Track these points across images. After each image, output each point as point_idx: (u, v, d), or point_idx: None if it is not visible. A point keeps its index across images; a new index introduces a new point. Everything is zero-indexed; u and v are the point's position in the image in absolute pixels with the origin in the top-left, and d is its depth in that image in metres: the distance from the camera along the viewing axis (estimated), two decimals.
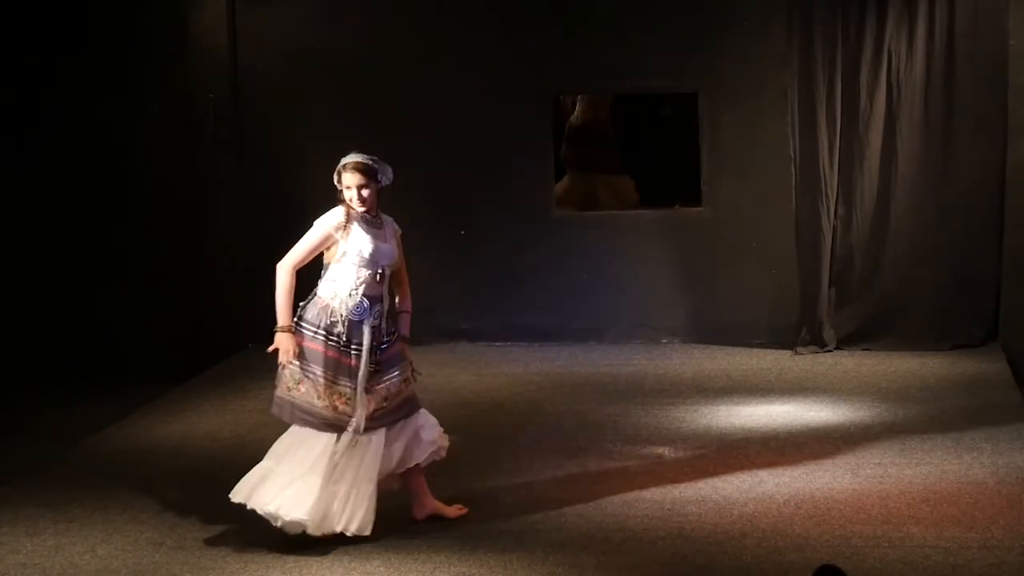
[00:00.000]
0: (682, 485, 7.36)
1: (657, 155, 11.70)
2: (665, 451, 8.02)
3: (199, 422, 8.98)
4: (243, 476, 6.70)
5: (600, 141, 11.66)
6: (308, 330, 6.68)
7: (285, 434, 6.76)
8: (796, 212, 10.18)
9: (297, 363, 6.66)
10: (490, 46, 10.62)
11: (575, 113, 11.75)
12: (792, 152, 10.10)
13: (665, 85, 10.84)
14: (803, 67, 10.02)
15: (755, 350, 10.30)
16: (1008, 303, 10.08)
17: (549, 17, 10.52)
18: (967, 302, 10.15)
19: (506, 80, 10.59)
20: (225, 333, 10.69)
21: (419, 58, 10.61)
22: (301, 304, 6.72)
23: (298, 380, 6.67)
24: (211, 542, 6.77)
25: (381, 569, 6.37)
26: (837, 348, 10.20)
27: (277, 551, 6.60)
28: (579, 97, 11.65)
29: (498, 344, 10.60)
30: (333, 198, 11.14)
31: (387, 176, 6.84)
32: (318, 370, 6.65)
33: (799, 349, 10.19)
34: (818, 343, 10.20)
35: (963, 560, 6.25)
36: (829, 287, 10.21)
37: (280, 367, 6.69)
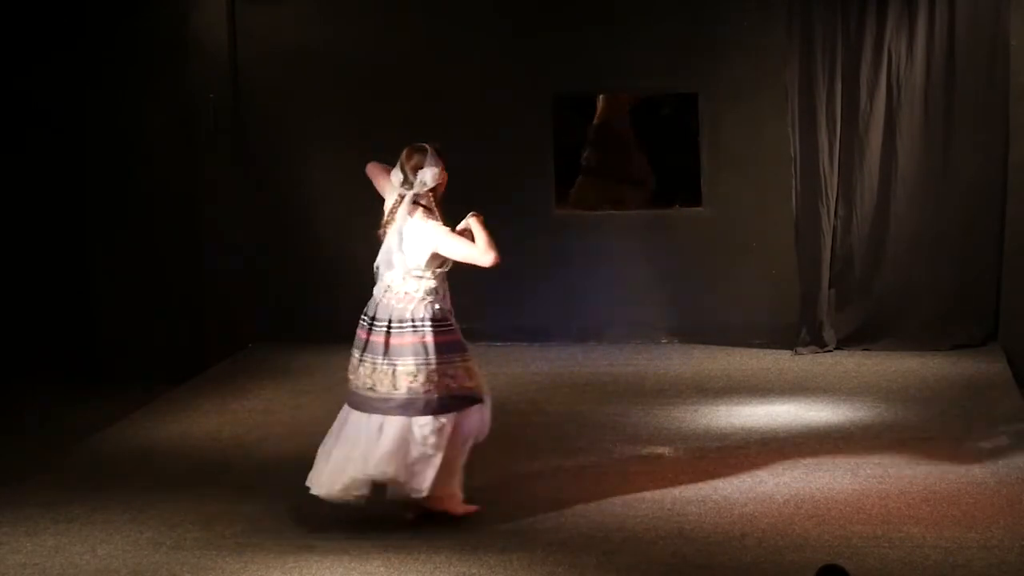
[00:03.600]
0: (682, 485, 7.37)
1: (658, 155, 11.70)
2: (665, 451, 8.02)
3: (199, 422, 8.98)
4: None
5: (618, 146, 11.55)
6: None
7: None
8: (796, 212, 10.18)
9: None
10: (490, 46, 10.62)
11: (596, 115, 11.61)
12: (792, 152, 10.10)
13: (665, 85, 10.84)
14: (803, 67, 10.03)
15: (755, 350, 10.30)
16: (1008, 303, 10.09)
17: (549, 17, 10.52)
18: (967, 302, 10.15)
19: (506, 80, 10.59)
20: (225, 333, 10.69)
21: (419, 58, 10.61)
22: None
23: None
24: (211, 542, 6.78)
25: (381, 569, 6.37)
26: (837, 348, 10.20)
27: (277, 551, 6.61)
28: (600, 98, 11.53)
29: (498, 344, 10.60)
30: (332, 197, 11.19)
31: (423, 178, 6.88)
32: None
33: (799, 349, 10.19)
34: (818, 343, 10.20)
35: (963, 560, 6.26)
36: (829, 287, 10.21)
37: None
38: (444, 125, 10.57)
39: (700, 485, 7.35)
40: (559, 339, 10.66)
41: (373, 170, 7.15)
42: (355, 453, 6.74)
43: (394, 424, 6.71)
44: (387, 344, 6.72)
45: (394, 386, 6.71)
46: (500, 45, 10.62)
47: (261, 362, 10.47)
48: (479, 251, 6.73)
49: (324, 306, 10.87)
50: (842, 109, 10.02)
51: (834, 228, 10.13)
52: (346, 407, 6.93)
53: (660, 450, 8.04)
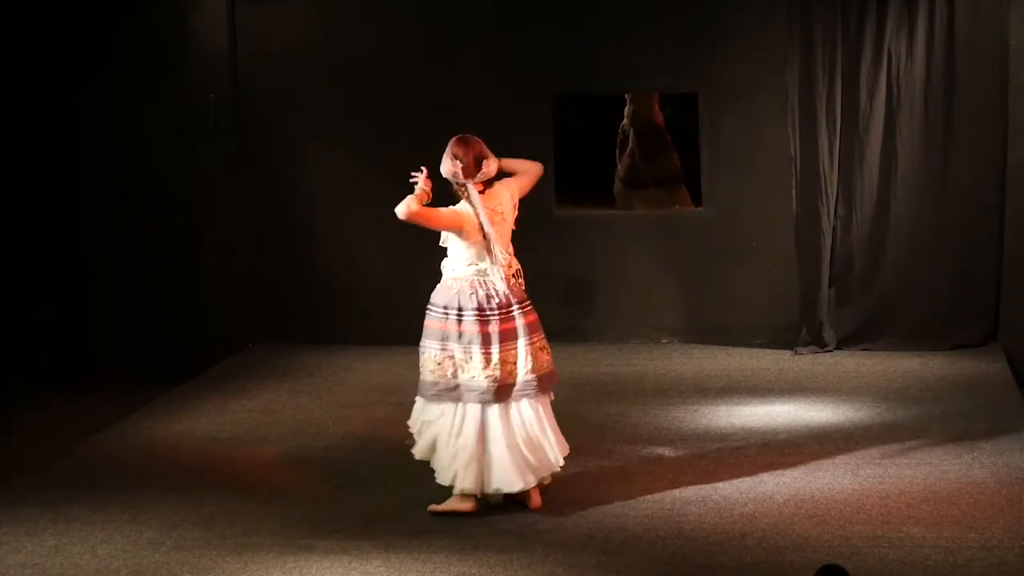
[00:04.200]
0: (682, 485, 7.37)
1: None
2: (665, 451, 8.02)
3: (199, 422, 8.97)
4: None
5: (650, 147, 11.41)
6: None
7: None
8: (796, 212, 10.17)
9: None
10: (490, 46, 10.61)
11: (625, 118, 11.36)
12: (792, 152, 10.09)
13: (665, 85, 10.84)
14: (803, 67, 10.02)
15: (755, 350, 10.29)
16: (1008, 303, 10.08)
17: (550, 17, 10.51)
18: (967, 302, 10.14)
19: (506, 80, 10.59)
20: (225, 333, 10.69)
21: (419, 58, 10.60)
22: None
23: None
24: (211, 542, 6.78)
25: (381, 569, 6.37)
26: (837, 348, 10.20)
27: (277, 551, 6.61)
28: (627, 98, 11.41)
29: None
30: (332, 197, 11.18)
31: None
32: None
33: (799, 349, 10.18)
34: (818, 343, 10.20)
35: (963, 560, 6.26)
36: (829, 287, 10.20)
37: None
38: (443, 125, 10.54)
39: (700, 485, 7.35)
40: (560, 339, 10.62)
41: (414, 213, 7.07)
42: (533, 441, 6.99)
43: (541, 400, 7.04)
44: (527, 325, 7.07)
45: (537, 363, 7.03)
46: (500, 45, 10.61)
47: (261, 362, 10.47)
48: (534, 167, 7.44)
49: (324, 306, 10.87)
50: (842, 109, 10.01)
51: (834, 228, 10.13)
52: (458, 405, 6.98)
53: (660, 450, 8.04)
